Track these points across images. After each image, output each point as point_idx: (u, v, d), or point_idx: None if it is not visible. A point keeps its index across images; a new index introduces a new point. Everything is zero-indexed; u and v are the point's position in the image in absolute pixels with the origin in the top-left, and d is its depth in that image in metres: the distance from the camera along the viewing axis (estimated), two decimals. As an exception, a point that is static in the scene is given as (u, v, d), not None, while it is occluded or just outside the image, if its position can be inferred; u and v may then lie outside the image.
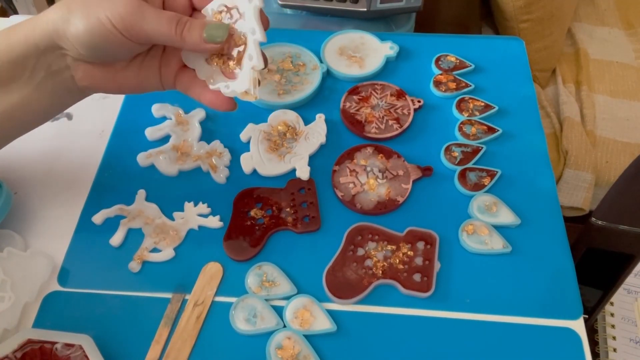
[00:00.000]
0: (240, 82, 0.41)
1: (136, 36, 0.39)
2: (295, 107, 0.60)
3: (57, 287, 0.48)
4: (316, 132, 0.58)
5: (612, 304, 0.70)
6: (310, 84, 0.62)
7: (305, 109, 0.60)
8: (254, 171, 0.55)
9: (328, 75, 0.64)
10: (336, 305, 0.48)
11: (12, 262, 0.47)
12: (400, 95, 0.61)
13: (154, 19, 0.39)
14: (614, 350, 0.66)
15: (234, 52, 0.41)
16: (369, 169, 0.55)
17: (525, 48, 0.68)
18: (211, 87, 0.43)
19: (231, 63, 0.42)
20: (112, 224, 0.52)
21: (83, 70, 0.42)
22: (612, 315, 0.69)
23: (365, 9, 0.74)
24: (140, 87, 0.45)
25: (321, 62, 0.64)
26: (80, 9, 0.38)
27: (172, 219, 0.52)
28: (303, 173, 0.55)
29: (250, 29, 0.40)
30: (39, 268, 0.48)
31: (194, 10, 0.43)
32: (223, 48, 0.42)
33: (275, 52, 0.65)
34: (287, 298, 0.47)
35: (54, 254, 0.50)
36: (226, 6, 0.41)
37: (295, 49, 0.65)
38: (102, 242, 0.51)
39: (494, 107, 0.61)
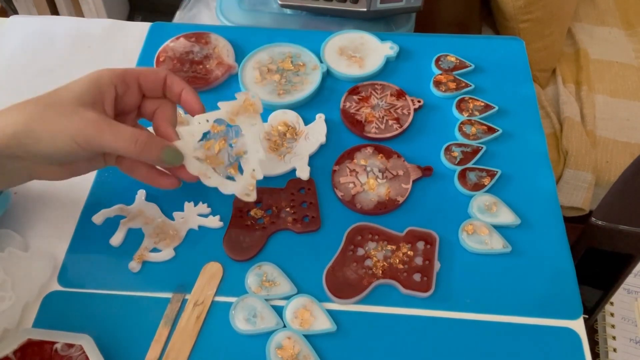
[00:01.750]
0: (241, 187, 0.47)
1: (96, 150, 0.42)
2: (295, 107, 0.60)
3: (57, 287, 0.48)
4: (316, 132, 0.58)
5: (612, 304, 0.70)
6: (310, 83, 0.62)
7: (305, 109, 0.60)
8: (254, 171, 0.55)
9: (328, 75, 0.64)
10: (336, 305, 0.48)
11: (12, 262, 0.47)
12: (400, 95, 0.61)
13: (112, 136, 0.41)
14: (614, 350, 0.66)
15: (227, 158, 0.47)
16: (369, 169, 0.55)
17: (525, 48, 0.68)
18: (207, 182, 0.46)
19: (231, 170, 0.47)
20: (112, 224, 0.52)
21: (39, 171, 0.44)
22: (612, 315, 0.69)
23: (365, 9, 0.74)
24: (88, 171, 0.47)
25: (321, 62, 0.64)
26: (44, 127, 0.40)
27: (172, 219, 0.52)
28: (303, 173, 0.55)
29: (253, 148, 0.47)
30: (40, 268, 0.48)
31: (143, 97, 0.47)
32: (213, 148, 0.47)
33: (276, 52, 0.65)
34: (287, 298, 0.47)
35: (54, 254, 0.50)
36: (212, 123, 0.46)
37: (296, 49, 0.65)
38: (102, 242, 0.51)
39: (494, 107, 0.61)
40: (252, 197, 0.47)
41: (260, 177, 0.47)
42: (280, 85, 0.62)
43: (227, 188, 0.46)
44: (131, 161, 0.46)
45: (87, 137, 0.40)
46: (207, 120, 0.46)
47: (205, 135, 0.46)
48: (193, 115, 0.46)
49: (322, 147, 0.58)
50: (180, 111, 0.59)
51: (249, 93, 0.46)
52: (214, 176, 0.46)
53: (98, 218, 0.52)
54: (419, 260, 0.49)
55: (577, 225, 0.78)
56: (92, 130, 0.40)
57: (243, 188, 0.47)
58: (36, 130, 0.40)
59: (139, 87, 0.46)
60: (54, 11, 1.35)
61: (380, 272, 0.49)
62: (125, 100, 0.45)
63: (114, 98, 0.44)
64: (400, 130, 0.58)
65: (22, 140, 0.40)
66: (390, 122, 0.59)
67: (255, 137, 0.47)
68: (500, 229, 0.52)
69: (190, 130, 0.45)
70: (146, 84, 0.46)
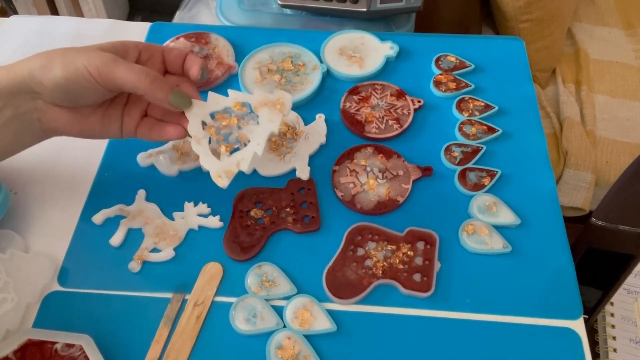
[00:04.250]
0: (219, 167, 0.46)
1: (108, 82, 0.43)
2: (295, 107, 0.60)
3: (58, 287, 0.48)
4: (316, 132, 0.58)
5: (612, 304, 0.70)
6: (310, 84, 0.62)
7: (305, 109, 0.60)
8: (254, 171, 0.55)
9: (328, 75, 0.64)
10: (336, 305, 0.48)
11: (14, 264, 0.47)
12: (400, 95, 0.61)
13: (125, 69, 0.43)
14: (614, 350, 0.66)
15: (229, 137, 0.48)
16: (369, 169, 0.55)
17: (525, 48, 0.68)
18: (194, 147, 0.46)
19: (223, 148, 0.47)
20: (112, 224, 0.52)
21: (51, 113, 0.45)
22: (612, 315, 0.69)
23: (365, 9, 0.74)
24: (101, 133, 0.48)
25: (321, 62, 0.64)
26: (60, 58, 0.42)
27: (172, 219, 0.52)
28: (303, 173, 0.55)
29: (256, 141, 0.47)
30: (41, 269, 0.48)
31: (166, 72, 0.49)
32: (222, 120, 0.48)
33: (276, 52, 0.65)
34: (287, 298, 0.47)
35: (54, 254, 0.50)
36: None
37: (296, 49, 0.65)
38: (102, 242, 0.51)
39: (494, 107, 0.61)
40: (223, 184, 0.46)
41: (245, 169, 0.46)
42: (280, 85, 0.61)
43: (207, 163, 0.46)
44: (149, 123, 0.48)
45: (99, 67, 0.42)
46: (237, 99, 0.48)
47: (226, 111, 0.48)
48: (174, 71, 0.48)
49: (322, 147, 0.58)
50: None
51: (286, 95, 0.48)
52: (204, 145, 0.46)
53: (98, 218, 0.52)
54: (419, 260, 0.49)
55: (577, 225, 0.78)
56: (106, 61, 0.42)
57: (219, 169, 0.46)
58: (51, 61, 0.42)
59: (162, 59, 0.48)
60: (54, 11, 1.35)
61: (380, 272, 0.49)
62: (149, 67, 0.46)
63: (136, 60, 0.46)
64: (400, 130, 0.58)
65: (36, 73, 0.42)
66: (390, 122, 0.59)
67: (265, 133, 0.47)
68: (500, 229, 0.52)
69: (217, 97, 0.47)
70: (169, 57, 0.48)
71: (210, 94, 0.47)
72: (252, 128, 0.47)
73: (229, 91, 0.48)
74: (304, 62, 0.64)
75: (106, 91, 0.44)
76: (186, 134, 0.47)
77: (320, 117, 0.59)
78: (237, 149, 0.47)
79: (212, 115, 0.48)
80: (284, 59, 0.64)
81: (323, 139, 0.58)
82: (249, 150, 0.47)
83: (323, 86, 0.63)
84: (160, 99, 0.44)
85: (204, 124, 0.47)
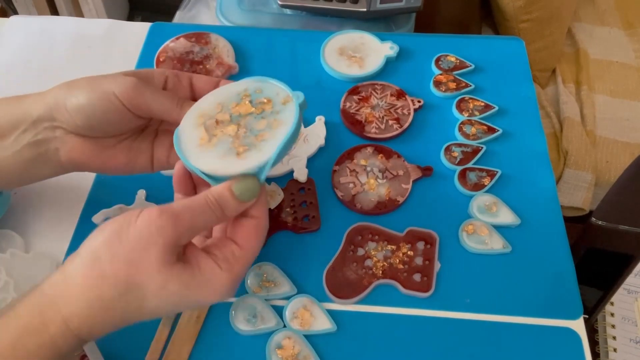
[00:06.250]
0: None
1: (137, 107, 0.40)
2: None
3: (57, 287, 0.48)
4: (315, 135, 0.58)
5: (612, 304, 0.70)
6: (284, 125, 0.39)
7: (305, 109, 0.60)
8: (254, 171, 0.55)
9: (327, 75, 0.64)
10: (336, 305, 0.48)
11: (15, 264, 0.47)
12: (400, 95, 0.61)
13: (154, 94, 0.41)
14: (614, 350, 0.66)
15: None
16: (369, 169, 0.55)
17: (525, 48, 0.68)
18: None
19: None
20: (112, 224, 0.52)
21: (71, 143, 0.42)
22: (612, 315, 0.69)
23: (365, 9, 0.74)
24: (128, 167, 0.44)
25: (294, 90, 0.42)
26: (86, 82, 0.40)
27: (172, 219, 0.52)
28: (300, 175, 0.54)
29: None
30: (41, 269, 0.48)
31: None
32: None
33: (225, 95, 0.42)
34: (287, 298, 0.47)
35: (54, 254, 0.50)
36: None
37: (254, 82, 0.42)
38: (102, 242, 0.50)
39: (494, 107, 0.61)
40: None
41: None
42: (238, 140, 0.39)
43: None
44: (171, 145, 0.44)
45: (129, 90, 0.40)
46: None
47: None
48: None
49: (322, 147, 0.58)
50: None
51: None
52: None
53: (98, 218, 0.52)
54: (419, 260, 0.49)
55: (577, 225, 0.78)
56: (135, 85, 0.40)
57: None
58: (76, 86, 0.40)
59: (190, 85, 0.44)
60: (54, 11, 1.35)
61: (380, 272, 0.49)
62: (176, 93, 0.44)
63: (163, 87, 0.44)
64: (400, 130, 0.58)
65: (60, 98, 0.40)
66: (390, 122, 0.59)
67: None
68: (500, 229, 0.52)
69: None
70: (199, 83, 0.44)
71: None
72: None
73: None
74: (269, 98, 0.41)
75: (133, 117, 0.41)
76: None
77: (320, 120, 0.59)
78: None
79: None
80: (238, 101, 0.41)
81: (322, 142, 0.57)
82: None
83: (322, 86, 0.63)
84: None
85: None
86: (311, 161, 0.56)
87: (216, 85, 0.44)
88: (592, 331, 0.69)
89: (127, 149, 0.44)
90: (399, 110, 0.60)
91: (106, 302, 0.33)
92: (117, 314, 0.34)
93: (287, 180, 0.55)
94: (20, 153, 0.41)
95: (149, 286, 0.33)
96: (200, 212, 0.35)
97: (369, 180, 0.55)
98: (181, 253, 0.36)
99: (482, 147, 0.57)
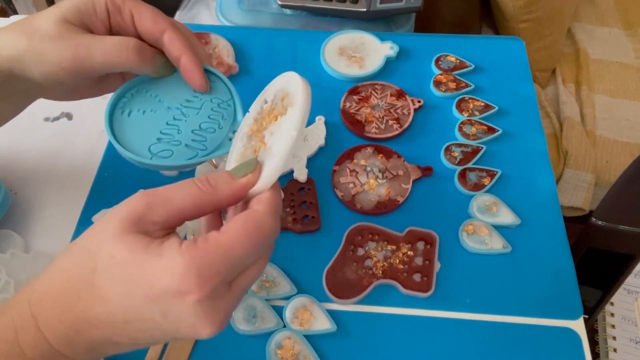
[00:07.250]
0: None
1: (89, 72, 0.38)
2: None
3: (57, 287, 0.48)
4: (315, 135, 0.58)
5: (612, 304, 0.70)
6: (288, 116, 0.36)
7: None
8: (254, 171, 0.55)
9: (327, 75, 0.64)
10: (336, 305, 0.48)
11: (15, 264, 0.47)
12: (400, 95, 0.61)
13: (101, 51, 0.37)
14: (614, 350, 0.66)
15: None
16: (369, 169, 0.55)
17: (525, 48, 0.68)
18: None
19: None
20: (112, 224, 0.51)
21: (45, 91, 0.41)
22: (612, 315, 0.69)
23: (365, 9, 0.74)
24: (98, 93, 0.43)
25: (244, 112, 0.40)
26: (31, 55, 0.38)
27: (172, 219, 0.52)
28: (300, 175, 0.54)
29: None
30: (41, 269, 0.48)
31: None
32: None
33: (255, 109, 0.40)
34: (287, 298, 0.47)
35: (54, 254, 0.50)
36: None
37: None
38: (102, 242, 0.50)
39: (494, 107, 0.61)
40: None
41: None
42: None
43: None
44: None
45: (75, 63, 0.37)
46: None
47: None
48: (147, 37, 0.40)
49: (322, 146, 0.58)
50: None
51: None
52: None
53: (98, 218, 0.52)
54: (419, 261, 0.49)
55: (577, 225, 0.78)
56: (80, 53, 0.37)
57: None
58: (26, 57, 0.38)
59: (132, 22, 0.40)
60: (54, 11, 1.35)
61: (380, 272, 0.49)
62: (120, 31, 0.40)
63: (107, 20, 0.40)
64: (400, 130, 0.58)
65: (16, 65, 0.38)
66: (390, 122, 0.59)
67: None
68: (500, 229, 0.52)
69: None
70: (140, 27, 0.39)
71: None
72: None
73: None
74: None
75: (90, 76, 0.39)
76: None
77: (320, 120, 0.59)
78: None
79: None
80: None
81: (322, 142, 0.57)
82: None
83: (322, 86, 0.63)
84: (147, 70, 0.39)
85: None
86: (311, 161, 0.56)
87: (160, 34, 0.39)
88: (592, 331, 0.69)
89: (92, 84, 0.42)
90: (399, 110, 0.60)
91: (62, 272, 0.31)
92: (71, 287, 0.30)
93: (287, 180, 0.55)
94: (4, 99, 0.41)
95: (100, 252, 0.30)
96: (181, 185, 0.31)
97: (369, 180, 0.54)
98: (153, 232, 0.31)
99: (482, 147, 0.57)
